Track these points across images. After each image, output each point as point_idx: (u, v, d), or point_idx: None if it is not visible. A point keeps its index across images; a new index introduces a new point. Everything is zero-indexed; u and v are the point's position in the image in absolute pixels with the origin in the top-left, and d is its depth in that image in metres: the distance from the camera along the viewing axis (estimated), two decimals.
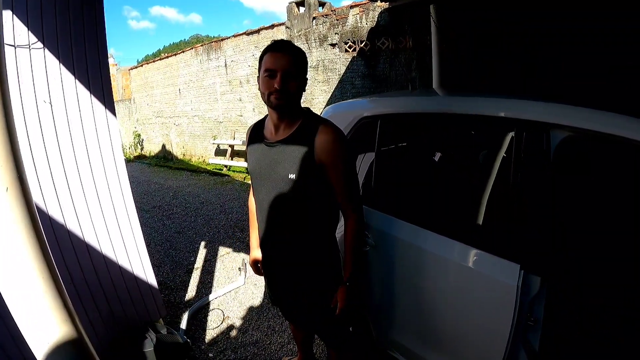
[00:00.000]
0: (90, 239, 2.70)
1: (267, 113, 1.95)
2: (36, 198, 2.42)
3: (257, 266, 2.30)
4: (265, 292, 3.88)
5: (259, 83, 1.82)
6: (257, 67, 1.85)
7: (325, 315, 2.07)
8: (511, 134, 1.91)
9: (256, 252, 2.27)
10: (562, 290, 2.08)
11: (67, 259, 2.56)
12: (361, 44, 7.58)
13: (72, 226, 2.61)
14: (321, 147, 1.76)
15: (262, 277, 2.37)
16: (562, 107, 1.79)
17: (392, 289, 2.32)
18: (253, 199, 2.26)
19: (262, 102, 1.82)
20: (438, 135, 3.19)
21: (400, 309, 2.31)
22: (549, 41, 5.21)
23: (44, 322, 1.18)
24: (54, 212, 2.52)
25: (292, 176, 1.79)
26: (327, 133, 1.78)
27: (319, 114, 2.03)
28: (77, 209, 2.64)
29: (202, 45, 11.70)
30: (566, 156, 1.82)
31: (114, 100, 2.92)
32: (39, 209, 2.40)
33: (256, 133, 1.98)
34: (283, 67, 1.70)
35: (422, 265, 2.16)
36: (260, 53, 1.80)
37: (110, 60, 18.60)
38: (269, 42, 1.79)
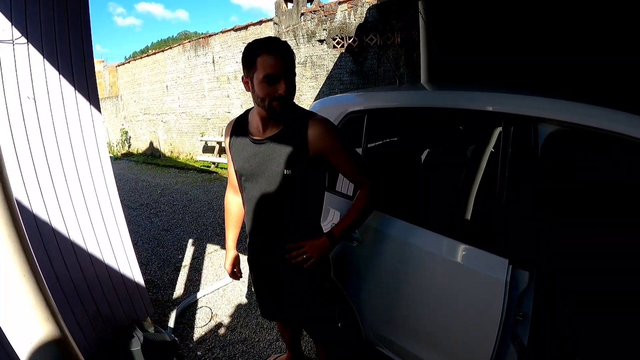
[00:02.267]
0: (75, 237, 2.67)
1: (249, 108, 1.93)
2: (20, 196, 2.39)
3: (233, 269, 2.27)
4: (251, 289, 3.87)
5: (245, 84, 1.76)
6: (245, 67, 1.73)
7: (315, 309, 2.08)
8: (499, 128, 1.91)
9: (232, 253, 2.25)
10: (550, 285, 2.09)
11: (53, 257, 2.53)
12: (349, 40, 7.57)
13: (57, 224, 2.58)
14: (316, 140, 1.76)
15: (249, 274, 2.35)
16: (549, 101, 1.79)
17: (380, 285, 2.32)
18: (231, 198, 2.24)
19: (250, 97, 1.76)
20: (425, 130, 3.19)
21: (388, 305, 2.31)
22: (539, 35, 5.23)
23: (25, 321, 1.16)
24: (39, 211, 2.48)
25: (288, 172, 1.78)
26: (318, 125, 1.77)
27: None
28: (62, 207, 2.60)
29: (189, 42, 11.62)
30: (554, 150, 1.83)
31: (101, 97, 2.88)
32: (23, 207, 2.37)
33: (240, 130, 1.93)
34: (283, 70, 1.65)
35: (410, 261, 2.17)
36: None
37: (97, 57, 18.41)
38: (257, 38, 1.73)
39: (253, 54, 1.67)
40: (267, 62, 1.64)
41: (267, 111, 1.74)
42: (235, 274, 2.28)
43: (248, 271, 2.24)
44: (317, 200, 1.96)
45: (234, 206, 2.23)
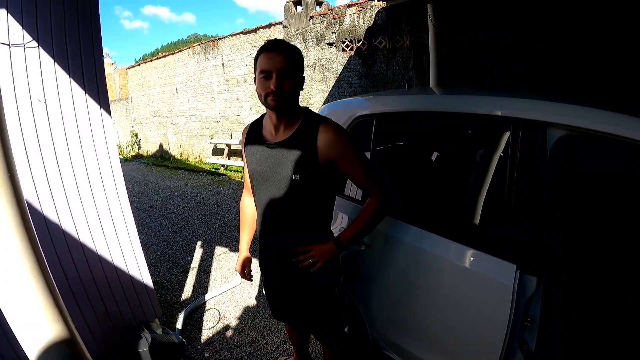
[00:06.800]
0: (85, 238, 2.69)
1: (264, 112, 1.94)
2: (31, 197, 2.41)
3: (243, 270, 2.27)
4: (259, 291, 3.88)
5: (255, 84, 1.80)
6: (253, 68, 1.82)
7: (321, 313, 2.07)
8: (508, 133, 1.90)
9: (244, 254, 2.26)
10: (558, 290, 2.08)
11: (62, 258, 2.55)
12: (358, 43, 7.56)
13: (67, 226, 2.60)
14: (326, 146, 1.76)
15: (259, 277, 2.36)
16: (558, 106, 1.78)
17: (388, 289, 2.32)
18: (246, 201, 2.26)
19: (260, 101, 1.80)
20: (434, 134, 3.19)
21: (396, 309, 2.31)
22: (548, 40, 5.22)
23: (35, 322, 1.17)
24: (49, 212, 2.51)
25: (296, 177, 1.79)
26: (328, 131, 1.78)
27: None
28: (72, 209, 2.62)
29: (199, 45, 11.66)
30: (563, 155, 1.82)
31: (111, 99, 2.91)
32: (33, 209, 2.39)
33: (254, 133, 1.96)
34: (278, 67, 1.68)
35: (419, 265, 2.16)
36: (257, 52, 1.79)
37: (108, 60, 18.52)
38: (266, 42, 1.78)
39: (257, 54, 1.77)
40: (263, 59, 1.72)
41: (266, 107, 1.80)
42: (246, 275, 2.28)
43: (259, 273, 2.24)
44: (326, 205, 1.96)
45: (249, 208, 2.25)
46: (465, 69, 5.99)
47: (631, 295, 2.26)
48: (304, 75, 1.83)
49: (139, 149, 15.80)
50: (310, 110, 1.92)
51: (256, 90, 1.80)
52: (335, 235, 1.98)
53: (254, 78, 1.82)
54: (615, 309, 2.25)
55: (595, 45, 4.81)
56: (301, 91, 1.83)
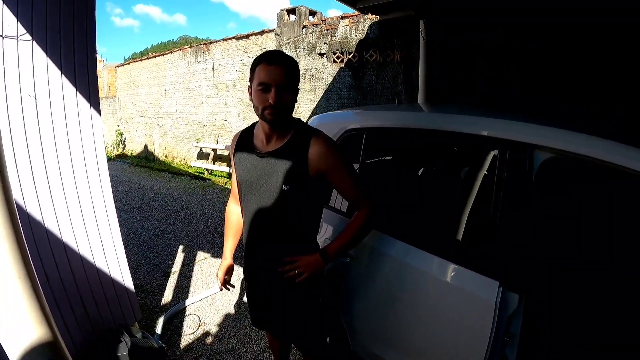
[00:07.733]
0: (68, 238, 2.66)
1: (254, 120, 1.95)
2: (16, 195, 2.38)
3: (224, 277, 2.25)
4: (240, 299, 3.87)
5: (250, 94, 1.80)
6: (249, 77, 1.81)
7: (304, 324, 2.07)
8: (493, 152, 1.94)
9: (227, 262, 2.24)
10: (539, 307, 2.11)
11: (44, 258, 2.51)
12: (349, 55, 7.62)
13: (50, 224, 2.56)
14: (317, 158, 1.78)
15: (239, 284, 2.34)
16: (546, 129, 1.82)
17: (372, 301, 2.33)
18: (232, 208, 2.25)
19: (248, 107, 1.80)
20: (422, 151, 3.22)
21: (378, 321, 2.32)
22: (541, 40, 5.32)
23: (19, 324, 1.16)
24: (33, 210, 2.47)
25: (286, 187, 1.80)
26: (319, 144, 1.79)
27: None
28: (56, 207, 2.59)
29: (190, 47, 11.64)
30: (548, 176, 1.85)
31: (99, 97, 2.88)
32: (18, 206, 2.35)
33: (245, 141, 1.96)
34: (277, 81, 1.69)
35: (402, 278, 2.18)
36: (248, 59, 1.78)
37: (97, 57, 18.37)
38: (258, 48, 1.78)
39: (254, 64, 1.76)
40: (262, 71, 1.71)
41: (262, 119, 1.80)
42: (226, 283, 2.27)
43: (240, 281, 2.22)
44: (314, 216, 1.97)
45: (235, 216, 2.24)
46: (457, 69, 6.06)
47: (612, 312, 2.30)
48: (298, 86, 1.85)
49: (124, 148, 15.67)
50: (302, 121, 1.93)
51: (251, 101, 1.79)
52: (320, 247, 1.99)
53: (249, 87, 1.82)
54: (596, 326, 2.29)
55: (587, 45, 4.92)
56: (296, 102, 1.84)
